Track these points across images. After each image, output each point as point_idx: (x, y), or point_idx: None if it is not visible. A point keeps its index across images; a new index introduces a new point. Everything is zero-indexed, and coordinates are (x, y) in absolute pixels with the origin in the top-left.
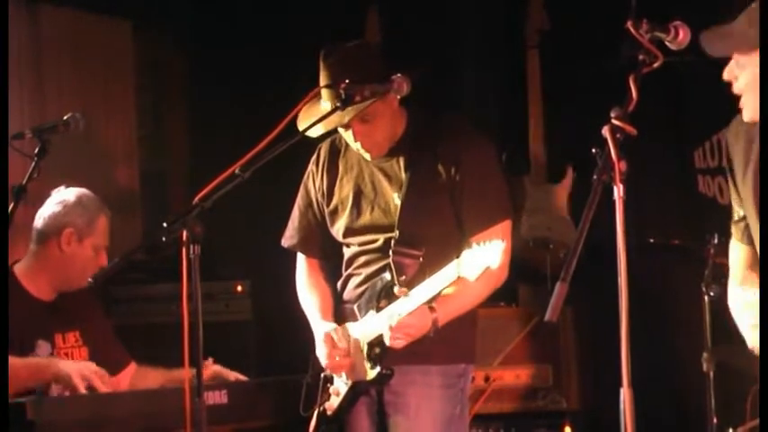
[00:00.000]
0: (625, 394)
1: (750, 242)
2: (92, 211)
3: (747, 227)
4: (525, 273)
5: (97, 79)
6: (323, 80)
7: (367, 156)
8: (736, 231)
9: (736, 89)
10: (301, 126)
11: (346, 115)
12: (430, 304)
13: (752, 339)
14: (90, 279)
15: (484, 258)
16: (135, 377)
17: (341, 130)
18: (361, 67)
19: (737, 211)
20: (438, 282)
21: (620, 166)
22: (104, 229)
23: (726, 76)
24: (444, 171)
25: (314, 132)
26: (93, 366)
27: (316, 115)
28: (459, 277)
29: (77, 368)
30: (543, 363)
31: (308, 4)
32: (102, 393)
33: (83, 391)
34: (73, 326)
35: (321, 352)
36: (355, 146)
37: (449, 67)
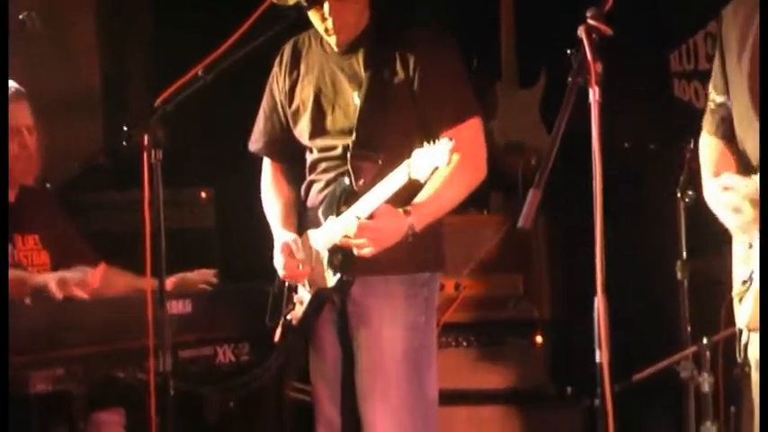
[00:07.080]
0: (599, 301)
1: (724, 135)
2: None
3: (724, 117)
4: (497, 179)
5: None
6: None
7: (332, 40)
8: (708, 123)
9: None
10: None
11: None
12: (405, 208)
13: (735, 223)
14: (48, 184)
15: (433, 158)
16: (104, 278)
17: (312, 16)
18: None
19: (714, 99)
20: (389, 185)
21: (595, 68)
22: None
23: None
24: (403, 70)
25: None
26: (69, 274)
27: None
28: (432, 178)
29: (54, 276)
30: (514, 271)
31: None
32: (63, 301)
33: (59, 297)
34: (31, 230)
35: (278, 261)
36: (322, 27)
37: None
